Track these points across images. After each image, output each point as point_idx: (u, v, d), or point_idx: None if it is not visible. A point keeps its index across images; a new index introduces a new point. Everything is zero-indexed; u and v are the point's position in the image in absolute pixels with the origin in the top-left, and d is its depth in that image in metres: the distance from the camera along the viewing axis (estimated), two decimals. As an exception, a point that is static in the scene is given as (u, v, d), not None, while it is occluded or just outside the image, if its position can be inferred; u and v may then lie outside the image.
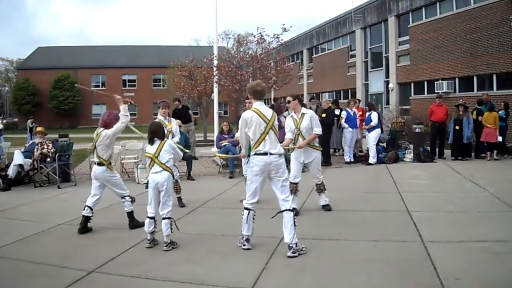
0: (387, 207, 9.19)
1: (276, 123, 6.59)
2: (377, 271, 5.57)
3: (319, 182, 8.91)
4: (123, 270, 5.85)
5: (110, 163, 7.92)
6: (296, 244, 6.20)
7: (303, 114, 8.53)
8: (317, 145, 8.72)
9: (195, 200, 10.00)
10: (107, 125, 7.85)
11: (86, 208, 7.78)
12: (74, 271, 5.80)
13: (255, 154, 6.45)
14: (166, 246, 6.68)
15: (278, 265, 5.92)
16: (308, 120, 8.45)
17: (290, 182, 8.36)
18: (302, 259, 6.07)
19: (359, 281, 5.35)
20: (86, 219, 7.77)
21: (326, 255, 6.24)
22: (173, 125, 10.07)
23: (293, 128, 8.51)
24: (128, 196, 7.99)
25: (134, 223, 7.88)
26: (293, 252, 6.16)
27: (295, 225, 6.31)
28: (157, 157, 6.94)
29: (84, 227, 7.72)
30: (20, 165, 12.61)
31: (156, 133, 7.13)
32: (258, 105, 6.57)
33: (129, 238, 7.25)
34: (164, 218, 6.78)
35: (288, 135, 8.50)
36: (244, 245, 6.60)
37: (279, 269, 5.77)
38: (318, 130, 8.48)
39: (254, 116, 6.44)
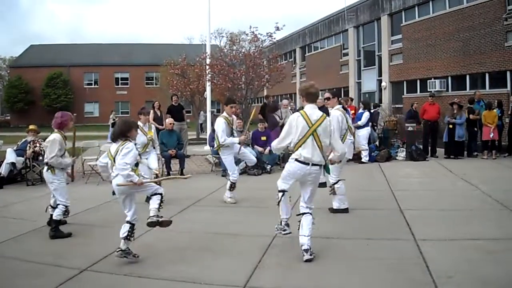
0: (379, 205, 9.21)
1: (323, 126, 6.19)
2: (369, 269, 5.59)
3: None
4: (116, 269, 5.84)
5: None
6: (310, 247, 6.05)
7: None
8: None
9: (187, 198, 9.98)
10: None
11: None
12: (66, 270, 5.79)
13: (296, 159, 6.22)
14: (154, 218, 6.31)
15: (271, 263, 5.93)
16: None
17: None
18: (294, 257, 6.07)
19: (352, 278, 5.36)
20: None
21: (319, 253, 6.22)
22: (153, 132, 10.04)
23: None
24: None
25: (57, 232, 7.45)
26: (311, 254, 5.99)
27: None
28: (114, 159, 6.16)
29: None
30: (13, 163, 12.56)
31: (121, 133, 6.30)
32: (308, 108, 6.31)
33: (122, 236, 7.23)
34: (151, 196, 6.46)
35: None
36: (284, 230, 6.46)
37: (271, 267, 5.78)
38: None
39: (300, 118, 6.19)
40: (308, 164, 6.07)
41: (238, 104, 9.67)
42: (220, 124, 9.41)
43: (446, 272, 5.33)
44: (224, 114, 9.71)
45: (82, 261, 6.09)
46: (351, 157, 8.62)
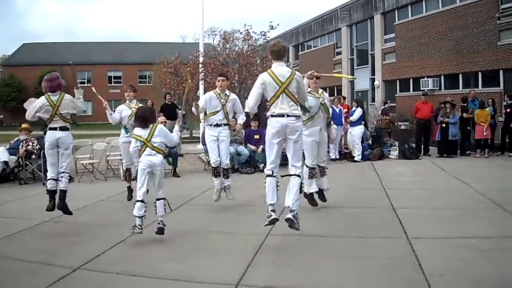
0: (372, 203, 9.22)
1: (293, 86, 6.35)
2: (362, 267, 5.59)
3: (325, 164, 8.78)
4: (109, 267, 5.82)
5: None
6: (296, 212, 6.14)
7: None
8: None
9: (180, 196, 9.94)
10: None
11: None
12: (59, 268, 5.75)
13: (271, 115, 6.40)
14: (162, 224, 6.83)
15: (264, 261, 5.91)
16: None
17: (309, 167, 8.24)
18: (287, 255, 6.07)
19: (345, 276, 5.36)
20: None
21: (312, 251, 6.24)
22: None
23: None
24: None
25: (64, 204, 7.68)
26: (294, 216, 6.10)
27: (300, 192, 6.30)
28: (149, 141, 6.88)
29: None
30: (5, 162, 12.53)
31: (150, 119, 7.11)
32: (275, 66, 6.49)
33: (115, 235, 7.17)
34: (158, 199, 6.89)
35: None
36: (268, 216, 6.41)
37: (265, 266, 5.76)
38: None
39: (268, 78, 6.37)
40: (283, 116, 6.26)
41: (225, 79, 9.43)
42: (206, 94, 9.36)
43: (439, 270, 5.33)
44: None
45: (75, 259, 6.06)
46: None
